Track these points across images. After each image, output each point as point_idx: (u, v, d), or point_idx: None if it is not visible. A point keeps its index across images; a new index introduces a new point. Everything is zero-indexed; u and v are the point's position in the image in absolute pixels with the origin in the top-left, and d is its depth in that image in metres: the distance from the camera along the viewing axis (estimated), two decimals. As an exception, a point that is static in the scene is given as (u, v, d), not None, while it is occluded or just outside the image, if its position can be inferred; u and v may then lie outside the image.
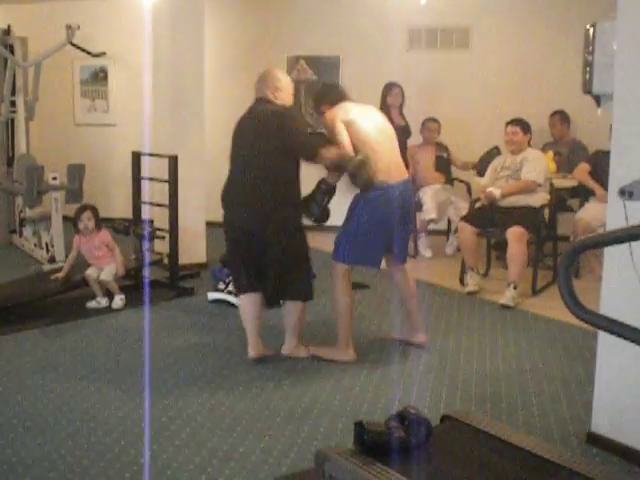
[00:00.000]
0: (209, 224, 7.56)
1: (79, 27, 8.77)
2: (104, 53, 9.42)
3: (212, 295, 6.37)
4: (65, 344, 5.31)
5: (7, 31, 8.86)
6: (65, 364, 4.91)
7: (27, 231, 8.30)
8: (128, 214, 7.12)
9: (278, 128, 4.75)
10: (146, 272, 6.70)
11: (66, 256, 7.26)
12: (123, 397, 4.36)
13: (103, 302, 6.18)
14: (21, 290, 6.35)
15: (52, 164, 7.78)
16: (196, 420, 4.07)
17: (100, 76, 10.07)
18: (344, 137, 4.76)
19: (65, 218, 7.63)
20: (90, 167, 8.08)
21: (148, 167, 7.01)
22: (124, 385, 4.54)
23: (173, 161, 6.54)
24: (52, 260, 7.40)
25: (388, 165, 4.86)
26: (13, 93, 8.71)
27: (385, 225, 4.87)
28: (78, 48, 9.01)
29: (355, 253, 4.91)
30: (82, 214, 6.29)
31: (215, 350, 5.18)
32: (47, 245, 7.63)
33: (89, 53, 9.19)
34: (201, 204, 7.39)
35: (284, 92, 5.00)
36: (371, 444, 2.98)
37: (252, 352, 4.87)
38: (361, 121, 4.88)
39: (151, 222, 6.96)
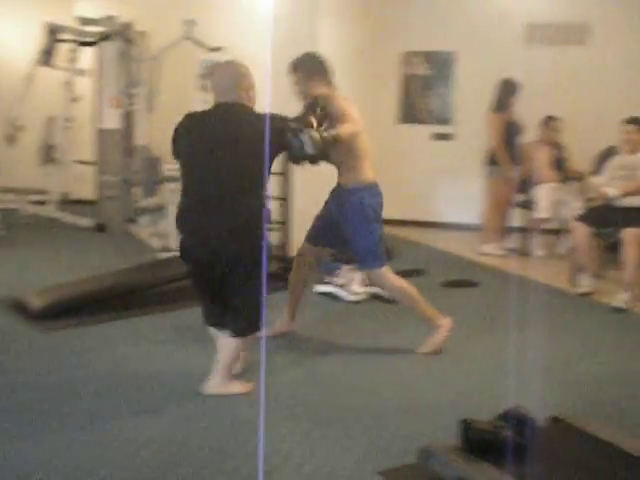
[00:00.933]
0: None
1: (197, 22, 8.99)
2: (221, 48, 9.58)
3: (320, 288, 6.44)
4: (175, 329, 5.47)
5: (128, 25, 9.14)
6: (178, 348, 5.06)
7: (144, 220, 8.56)
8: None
9: (257, 134, 3.96)
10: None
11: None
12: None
13: None
14: (137, 277, 6.54)
15: (169, 156, 7.96)
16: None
17: (217, 70, 10.26)
18: (356, 127, 4.74)
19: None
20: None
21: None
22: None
23: (287, 155, 6.61)
24: (167, 249, 7.61)
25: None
26: (134, 86, 8.99)
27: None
28: (196, 42, 9.21)
29: (380, 251, 4.91)
30: None
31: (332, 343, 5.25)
32: (162, 234, 7.85)
33: (207, 47, 9.37)
34: (314, 197, 7.43)
35: (254, 93, 4.26)
36: (476, 442, 2.98)
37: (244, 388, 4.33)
38: (359, 123, 4.87)
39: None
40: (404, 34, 9.53)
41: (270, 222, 4.32)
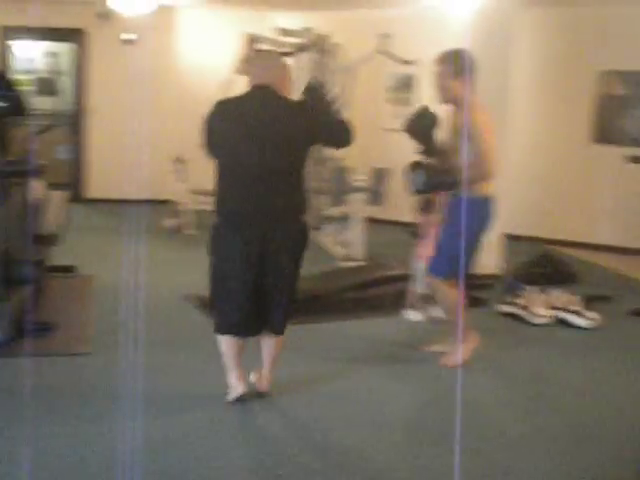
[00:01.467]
0: (507, 236, 7.54)
1: (390, 36, 9.04)
2: (414, 61, 9.62)
3: (503, 308, 6.32)
4: (354, 339, 5.51)
5: (324, 37, 9.32)
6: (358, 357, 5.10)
7: (328, 228, 8.69)
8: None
9: (307, 119, 4.06)
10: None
11: (363, 255, 7.55)
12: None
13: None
14: (318, 284, 6.64)
15: (358, 167, 8.07)
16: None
17: (407, 84, 10.31)
18: (491, 144, 4.54)
19: (366, 219, 7.92)
20: (394, 171, 8.30)
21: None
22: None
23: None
24: (349, 258, 7.68)
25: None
26: (326, 97, 9.16)
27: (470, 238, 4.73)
28: (388, 56, 9.27)
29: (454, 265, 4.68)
30: None
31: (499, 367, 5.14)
32: (346, 243, 7.93)
33: (399, 61, 9.41)
34: (501, 214, 7.32)
35: (288, 84, 4.16)
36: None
37: (240, 389, 4.21)
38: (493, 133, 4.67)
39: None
40: (601, 53, 9.21)
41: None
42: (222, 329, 4.17)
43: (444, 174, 4.62)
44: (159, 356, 4.95)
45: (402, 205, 9.76)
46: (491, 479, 3.54)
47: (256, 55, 4.42)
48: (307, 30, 9.02)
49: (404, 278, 6.72)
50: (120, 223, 9.62)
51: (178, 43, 11.06)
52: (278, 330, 4.20)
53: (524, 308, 6.14)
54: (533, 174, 9.51)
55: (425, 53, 9.76)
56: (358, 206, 7.77)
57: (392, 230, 9.40)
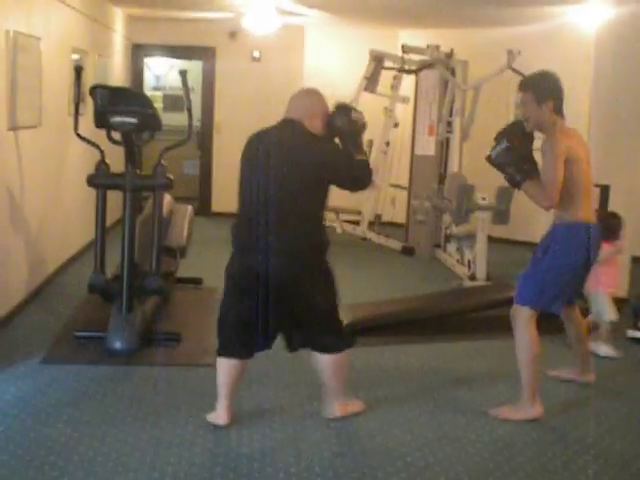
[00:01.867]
0: (635, 259, 7.29)
1: (520, 52, 8.91)
2: (542, 78, 9.44)
3: (632, 333, 6.10)
4: (477, 359, 5.43)
5: (450, 54, 9.25)
6: (478, 378, 5.02)
7: (451, 247, 8.61)
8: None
9: (323, 158, 3.97)
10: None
11: (487, 275, 7.44)
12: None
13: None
14: (441, 303, 6.58)
15: (483, 185, 7.96)
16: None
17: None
18: (559, 175, 4.12)
19: (490, 238, 7.81)
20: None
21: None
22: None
23: (605, 191, 6.38)
24: (473, 278, 7.58)
25: (591, 204, 4.48)
26: (451, 114, 9.10)
27: (584, 267, 4.42)
28: (517, 73, 9.11)
29: (547, 295, 4.40)
30: None
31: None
32: (469, 262, 7.83)
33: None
34: (629, 237, 7.11)
35: (320, 121, 4.06)
36: None
37: (220, 420, 4.12)
38: (581, 157, 4.30)
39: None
40: None
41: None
42: (219, 350, 4.14)
43: (522, 167, 4.28)
44: (277, 369, 4.99)
45: (527, 225, 9.62)
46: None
47: (298, 91, 4.29)
48: (433, 47, 8.97)
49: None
50: (228, 238, 9.80)
51: (304, 60, 11.19)
52: (325, 349, 4.13)
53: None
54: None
55: (554, 69, 9.63)
56: (483, 225, 7.66)
57: (517, 250, 9.24)
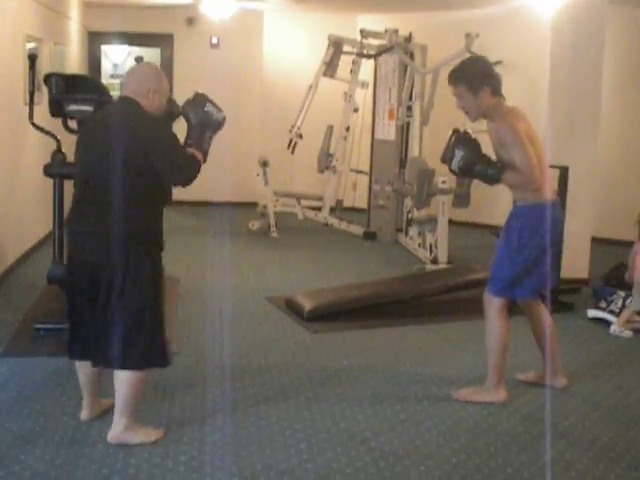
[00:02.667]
0: (595, 239, 7.36)
1: (478, 35, 8.93)
2: (500, 62, 9.46)
3: (592, 312, 6.16)
4: (439, 342, 5.46)
5: (409, 38, 9.25)
6: (440, 360, 5.04)
7: (413, 231, 8.64)
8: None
9: (144, 140, 3.59)
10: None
11: (449, 258, 7.49)
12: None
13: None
14: (403, 287, 6.59)
15: (442, 168, 7.96)
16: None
17: (495, 84, 10.17)
18: (531, 153, 4.07)
19: (451, 222, 7.85)
20: (478, 173, 8.21)
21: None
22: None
23: (564, 172, 6.42)
24: (435, 261, 7.62)
25: (550, 183, 4.40)
26: (411, 98, 9.10)
27: (543, 249, 4.23)
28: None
29: (519, 284, 4.32)
30: None
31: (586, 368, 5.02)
32: (431, 246, 7.87)
33: (487, 61, 9.28)
34: (588, 218, 7.19)
35: (156, 99, 3.74)
36: None
37: (84, 415, 3.94)
38: (533, 135, 4.21)
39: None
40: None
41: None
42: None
43: (489, 162, 4.21)
44: (243, 357, 4.98)
45: (488, 207, 9.68)
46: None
47: (137, 66, 4.01)
48: (391, 31, 8.96)
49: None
50: (206, 225, 9.78)
51: (263, 46, 11.13)
52: (109, 363, 3.71)
53: (616, 314, 5.97)
54: (622, 175, 9.28)
55: (512, 53, 9.68)
56: (443, 208, 7.69)
57: (478, 233, 9.30)
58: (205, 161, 3.90)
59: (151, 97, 3.72)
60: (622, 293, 6.17)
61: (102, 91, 5.32)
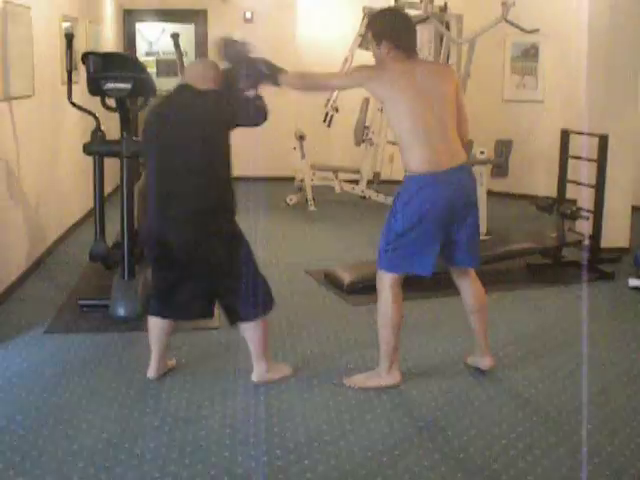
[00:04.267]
0: (635, 208, 7.28)
1: (514, 3, 8.82)
2: (538, 30, 9.35)
3: (633, 282, 6.11)
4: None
5: (444, 8, 9.17)
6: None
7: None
8: (552, 192, 7.07)
9: (211, 109, 3.96)
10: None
11: (487, 230, 7.45)
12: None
13: None
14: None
15: (480, 139, 7.93)
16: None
17: (531, 53, 10.06)
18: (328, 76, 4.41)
19: (490, 192, 7.80)
20: (517, 143, 8.15)
21: (577, 145, 6.92)
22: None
23: (603, 140, 6.36)
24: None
25: (434, 150, 3.92)
26: (447, 69, 9.03)
27: (433, 222, 3.96)
28: (513, 25, 9.04)
29: (401, 259, 4.10)
30: None
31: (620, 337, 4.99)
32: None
33: (524, 30, 9.17)
34: (629, 186, 7.12)
35: (212, 84, 4.05)
36: None
37: (151, 373, 4.26)
38: (405, 95, 3.93)
39: (575, 201, 6.87)
40: None
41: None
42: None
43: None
44: (285, 331, 5.01)
45: (526, 178, 9.61)
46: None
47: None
48: (427, 1, 8.87)
49: (531, 252, 6.61)
50: (244, 201, 9.79)
51: (297, 20, 11.09)
52: (245, 316, 4.12)
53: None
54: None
55: (549, 21, 9.56)
56: (482, 179, 7.64)
57: (516, 204, 9.24)
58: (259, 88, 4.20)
59: (207, 84, 4.02)
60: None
61: (139, 68, 5.34)
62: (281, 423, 3.73)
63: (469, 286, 4.30)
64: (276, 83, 4.18)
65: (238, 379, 4.23)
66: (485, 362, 4.38)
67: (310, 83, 4.44)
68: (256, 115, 4.11)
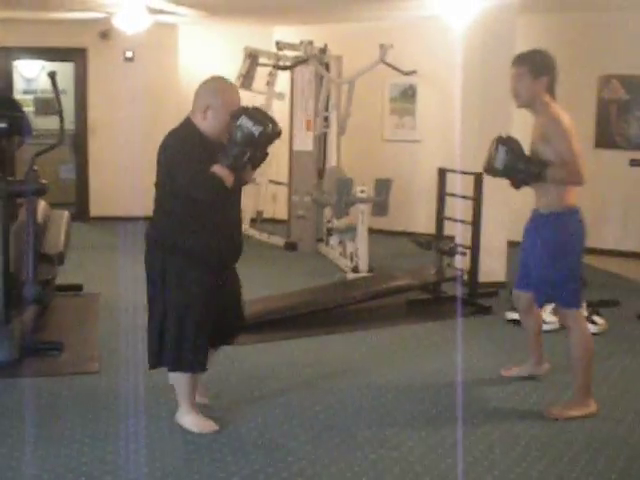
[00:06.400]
0: (511, 243, 7.52)
1: (392, 46, 9.08)
2: (415, 71, 9.63)
3: (511, 315, 6.30)
4: (364, 350, 5.51)
5: (324, 50, 9.35)
6: (366, 368, 5.09)
7: (333, 240, 8.71)
8: (431, 229, 7.24)
9: (165, 160, 3.88)
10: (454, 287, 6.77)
11: (369, 266, 7.56)
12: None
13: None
14: (325, 296, 6.64)
15: (360, 178, 8.08)
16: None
17: (409, 94, 10.33)
18: (579, 147, 4.21)
19: (370, 230, 7.92)
20: (396, 181, 8.32)
21: (454, 183, 7.12)
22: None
23: (478, 178, 6.56)
24: (355, 270, 7.68)
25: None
26: (327, 109, 9.18)
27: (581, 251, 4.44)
28: (390, 67, 9.29)
29: (579, 290, 4.40)
30: None
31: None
32: (352, 255, 7.93)
33: (401, 71, 9.43)
34: (504, 222, 7.36)
35: (217, 114, 3.86)
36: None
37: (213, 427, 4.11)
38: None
39: (453, 238, 7.06)
40: (601, 57, 9.21)
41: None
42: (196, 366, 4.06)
43: (530, 161, 4.28)
44: (165, 374, 4.94)
45: (406, 215, 9.82)
46: None
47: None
48: (307, 43, 9.03)
49: (411, 288, 6.74)
50: (125, 240, 9.66)
51: (178, 59, 11.07)
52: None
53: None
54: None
55: (425, 63, 9.85)
56: (363, 217, 7.77)
57: (397, 241, 9.41)
58: (237, 176, 3.86)
59: (206, 114, 3.85)
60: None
61: (14, 107, 5.23)
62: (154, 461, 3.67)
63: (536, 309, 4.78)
64: None
65: (120, 423, 4.15)
66: (545, 367, 4.95)
67: None
68: (196, 189, 3.80)
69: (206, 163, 3.79)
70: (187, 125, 3.91)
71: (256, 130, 3.77)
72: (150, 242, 4.00)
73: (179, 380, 4.09)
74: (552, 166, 4.22)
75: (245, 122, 3.78)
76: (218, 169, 3.78)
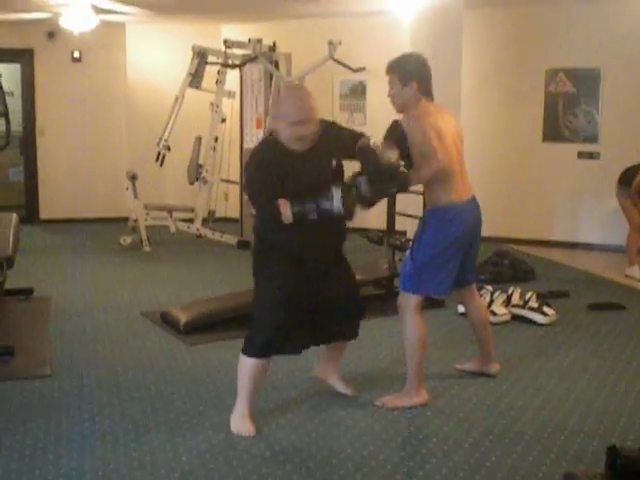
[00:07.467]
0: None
1: (340, 43, 9.11)
2: (364, 68, 9.67)
3: (461, 308, 6.36)
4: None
5: (273, 47, 9.36)
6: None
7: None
8: (382, 225, 7.27)
9: (244, 173, 4.18)
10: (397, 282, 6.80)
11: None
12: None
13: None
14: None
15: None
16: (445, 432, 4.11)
17: (359, 90, 10.37)
18: (434, 139, 4.22)
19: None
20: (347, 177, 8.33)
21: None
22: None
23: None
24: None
25: (460, 183, 4.43)
26: (278, 107, 9.18)
27: (457, 248, 4.42)
28: (339, 63, 9.32)
29: (427, 282, 4.47)
30: None
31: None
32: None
33: (350, 68, 9.46)
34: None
35: (280, 121, 3.94)
36: (624, 469, 2.87)
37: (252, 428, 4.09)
38: (446, 133, 4.34)
39: (404, 233, 7.10)
40: (548, 51, 9.34)
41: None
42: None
43: (381, 171, 4.10)
44: (120, 374, 4.91)
45: (359, 213, 9.82)
46: (456, 479, 3.57)
47: None
48: (255, 41, 9.02)
49: (363, 284, 6.75)
50: (76, 242, 9.59)
51: (126, 59, 10.98)
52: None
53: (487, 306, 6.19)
54: (486, 174, 9.60)
55: (375, 59, 9.88)
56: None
57: (349, 237, 9.42)
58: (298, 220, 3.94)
59: (276, 124, 3.94)
60: (490, 288, 6.41)
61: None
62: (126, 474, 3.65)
63: (477, 302, 4.86)
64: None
65: (73, 426, 4.12)
66: (495, 367, 4.93)
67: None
68: (254, 207, 4.26)
69: (283, 177, 3.87)
70: (267, 139, 4.07)
71: (337, 209, 3.98)
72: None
73: (241, 369, 4.13)
74: (413, 171, 4.24)
75: (335, 195, 3.92)
76: (282, 206, 3.86)
